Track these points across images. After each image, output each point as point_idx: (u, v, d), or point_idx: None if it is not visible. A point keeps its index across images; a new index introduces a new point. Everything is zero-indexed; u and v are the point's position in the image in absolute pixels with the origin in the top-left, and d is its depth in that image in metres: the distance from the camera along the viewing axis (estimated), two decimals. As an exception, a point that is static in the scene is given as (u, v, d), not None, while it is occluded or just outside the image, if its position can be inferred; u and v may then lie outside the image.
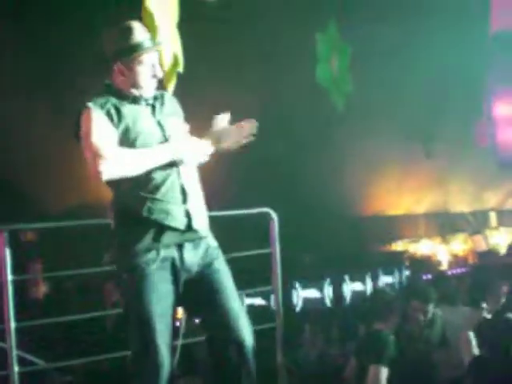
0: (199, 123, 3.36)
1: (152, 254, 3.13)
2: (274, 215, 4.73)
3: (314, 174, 8.73)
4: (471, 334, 5.05)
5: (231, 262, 3.37)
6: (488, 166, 10.75)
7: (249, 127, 3.31)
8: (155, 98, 3.31)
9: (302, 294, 9.04)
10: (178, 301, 3.20)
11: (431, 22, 7.46)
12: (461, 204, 13.24)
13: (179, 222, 3.18)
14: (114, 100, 3.19)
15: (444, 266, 11.30)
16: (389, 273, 10.23)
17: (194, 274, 3.22)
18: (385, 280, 10.10)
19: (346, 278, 9.72)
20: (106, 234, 3.23)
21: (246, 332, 3.24)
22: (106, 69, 3.28)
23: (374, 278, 10.02)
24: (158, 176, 3.17)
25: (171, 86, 4.85)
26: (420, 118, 9.38)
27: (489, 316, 5.51)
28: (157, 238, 3.14)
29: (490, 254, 9.48)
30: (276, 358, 4.76)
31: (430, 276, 8.99)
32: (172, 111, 3.35)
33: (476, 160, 10.67)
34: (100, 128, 3.10)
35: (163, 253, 3.15)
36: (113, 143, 3.11)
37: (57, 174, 7.44)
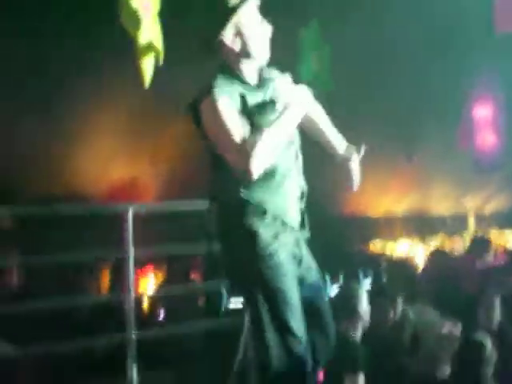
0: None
1: (280, 244, 3.07)
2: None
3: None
4: None
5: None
6: (468, 171, 10.82)
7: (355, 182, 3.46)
8: (271, 83, 3.18)
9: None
10: None
11: (414, 25, 7.48)
12: (440, 207, 13.32)
13: (295, 221, 3.17)
14: (238, 87, 3.07)
15: (421, 267, 11.34)
16: (367, 273, 10.26)
17: (305, 270, 3.24)
18: (363, 280, 10.15)
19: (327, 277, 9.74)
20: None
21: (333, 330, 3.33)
22: (212, 47, 3.13)
23: (352, 278, 10.05)
24: (280, 168, 3.09)
25: (148, 79, 4.82)
26: (401, 120, 9.42)
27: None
28: (275, 235, 3.07)
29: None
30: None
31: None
32: (283, 91, 3.19)
33: (456, 164, 10.73)
34: (232, 119, 2.97)
35: (285, 245, 3.11)
36: (246, 132, 2.98)
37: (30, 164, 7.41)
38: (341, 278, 9.86)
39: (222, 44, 3.11)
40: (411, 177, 11.39)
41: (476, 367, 4.54)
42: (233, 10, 3.07)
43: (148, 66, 4.83)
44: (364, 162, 9.42)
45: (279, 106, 3.12)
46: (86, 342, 4.81)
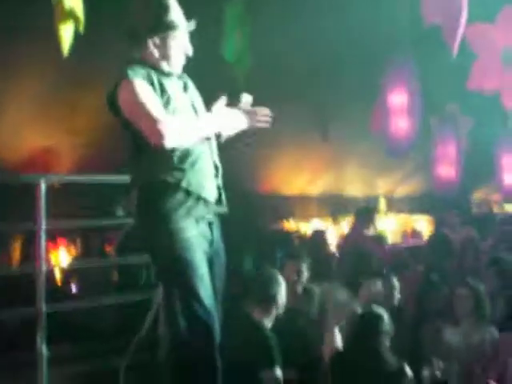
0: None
1: (191, 222, 3.26)
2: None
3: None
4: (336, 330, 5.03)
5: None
6: (381, 154, 11.05)
7: (267, 114, 3.65)
8: (182, 76, 3.44)
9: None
10: None
11: (330, 11, 7.54)
12: (353, 188, 13.57)
13: (212, 196, 3.37)
14: (153, 72, 3.27)
15: (332, 247, 11.56)
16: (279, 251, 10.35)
17: (213, 251, 3.42)
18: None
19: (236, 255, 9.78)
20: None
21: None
22: (136, 43, 3.34)
23: (264, 256, 10.13)
24: (195, 150, 3.30)
25: (67, 46, 4.72)
26: (317, 99, 9.51)
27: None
28: (195, 210, 3.28)
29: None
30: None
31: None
32: (196, 91, 3.51)
33: (370, 147, 10.94)
34: (150, 97, 3.16)
35: (201, 224, 3.31)
36: (163, 112, 3.17)
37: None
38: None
39: (145, 44, 3.33)
40: (325, 157, 11.53)
41: (373, 337, 4.62)
42: (166, 26, 3.30)
43: (67, 34, 4.73)
44: (280, 142, 9.56)
45: (190, 97, 3.40)
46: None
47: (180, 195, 3.23)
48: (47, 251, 5.92)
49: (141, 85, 3.16)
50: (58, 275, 7.50)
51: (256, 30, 7.02)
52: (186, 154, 3.25)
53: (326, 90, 9.19)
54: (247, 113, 3.59)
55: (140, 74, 3.20)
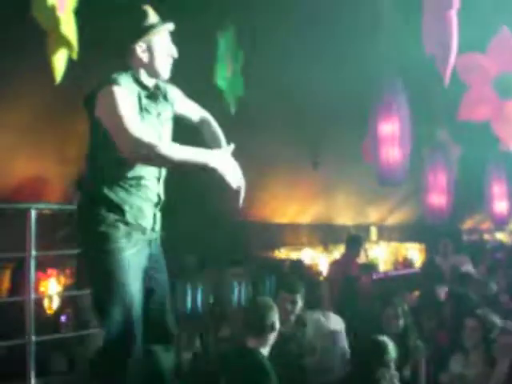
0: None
1: (127, 242, 3.31)
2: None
3: (199, 176, 8.72)
4: None
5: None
6: (372, 182, 11.06)
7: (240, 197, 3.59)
8: (162, 89, 3.51)
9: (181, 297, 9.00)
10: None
11: (327, 36, 7.59)
12: (344, 217, 13.57)
13: (148, 223, 3.43)
14: (136, 87, 3.34)
15: (323, 276, 11.52)
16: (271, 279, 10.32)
17: (153, 265, 3.50)
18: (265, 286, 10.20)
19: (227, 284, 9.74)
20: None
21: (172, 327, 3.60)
22: (123, 52, 3.42)
23: (255, 284, 10.10)
24: (145, 175, 3.36)
25: (59, 74, 4.70)
26: (309, 128, 9.54)
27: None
28: (127, 234, 3.32)
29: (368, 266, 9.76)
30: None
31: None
32: (170, 112, 3.57)
33: (361, 176, 10.95)
34: (128, 105, 3.20)
35: (138, 243, 3.36)
36: (139, 123, 3.20)
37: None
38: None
39: (132, 52, 3.40)
40: (316, 186, 11.54)
41: (377, 365, 4.71)
42: (148, 28, 3.38)
43: (60, 61, 4.72)
44: (271, 169, 9.55)
45: (164, 115, 3.48)
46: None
47: (119, 217, 3.28)
48: (37, 281, 5.85)
49: (121, 92, 3.19)
50: (47, 304, 7.41)
51: (248, 59, 7.05)
52: (135, 178, 3.31)
53: (317, 118, 9.22)
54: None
55: (123, 81, 3.25)
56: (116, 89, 3.18)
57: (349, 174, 11.13)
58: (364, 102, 8.60)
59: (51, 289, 8.12)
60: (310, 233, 12.97)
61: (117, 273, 3.25)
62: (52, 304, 7.63)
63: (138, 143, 3.07)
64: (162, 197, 3.54)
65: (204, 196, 8.45)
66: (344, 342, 5.52)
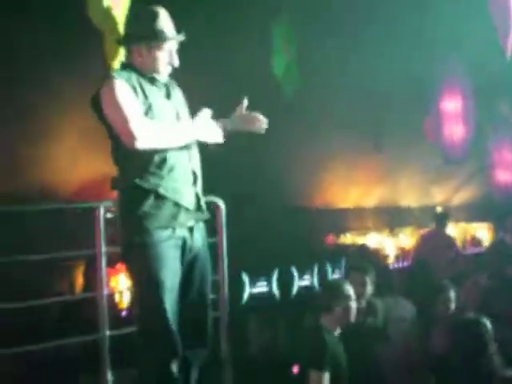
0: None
1: (168, 232, 3.25)
2: (220, 204, 4.75)
3: (263, 164, 8.75)
4: None
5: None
6: (436, 162, 10.90)
7: (263, 120, 3.57)
8: (168, 84, 3.44)
9: (248, 286, 9.04)
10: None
11: (379, 14, 7.50)
12: (409, 198, 13.40)
13: (190, 203, 3.35)
14: (136, 77, 3.29)
15: (391, 259, 11.42)
16: (336, 266, 10.28)
17: (193, 256, 3.40)
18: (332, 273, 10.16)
19: (294, 270, 9.75)
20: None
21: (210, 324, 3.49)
22: (126, 49, 3.43)
23: (322, 271, 10.07)
24: (172, 157, 3.28)
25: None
26: (369, 111, 9.45)
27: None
28: (173, 216, 3.26)
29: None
30: (220, 348, 4.77)
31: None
32: (181, 99, 3.51)
33: (424, 155, 10.80)
34: (129, 98, 3.18)
35: (177, 232, 3.28)
36: (142, 114, 3.19)
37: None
38: (312, 269, 9.88)
39: (134, 50, 3.38)
40: (379, 168, 11.43)
41: (480, 344, 4.69)
42: (154, 36, 3.32)
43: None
44: (334, 155, 9.48)
45: (173, 105, 3.41)
46: (59, 343, 4.76)
47: (158, 202, 3.24)
48: (107, 276, 5.96)
49: (121, 86, 3.18)
50: (118, 299, 7.54)
51: (305, 45, 7.02)
52: (163, 160, 3.25)
53: (379, 100, 9.12)
54: (244, 117, 3.59)
55: (123, 76, 3.23)
56: (114, 83, 3.17)
57: (412, 154, 10.99)
58: (425, 80, 8.48)
59: (121, 284, 8.25)
60: (375, 216, 12.85)
61: (152, 266, 3.21)
62: (123, 299, 7.75)
63: (137, 139, 3.09)
64: (199, 173, 3.45)
65: (268, 184, 8.46)
66: (415, 328, 5.46)
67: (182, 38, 3.43)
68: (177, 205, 3.28)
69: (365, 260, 7.23)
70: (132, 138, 3.09)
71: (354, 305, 4.71)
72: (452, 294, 5.75)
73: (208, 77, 6.88)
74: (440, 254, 8.34)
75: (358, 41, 7.89)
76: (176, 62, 3.42)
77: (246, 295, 8.78)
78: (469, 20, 6.82)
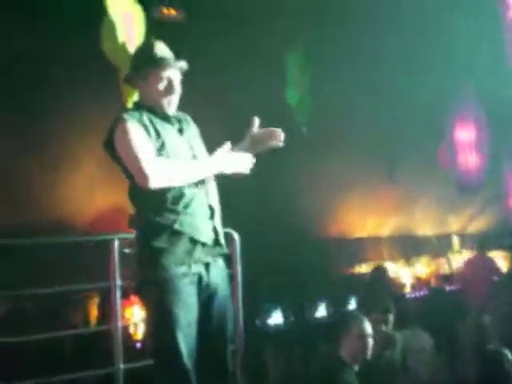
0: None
1: (184, 268, 3.19)
2: (235, 235, 4.73)
3: (278, 195, 8.74)
4: None
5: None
6: (451, 191, 10.85)
7: (279, 133, 3.53)
8: (180, 119, 3.40)
9: (264, 316, 9.00)
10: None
11: (393, 42, 7.52)
12: (424, 227, 13.33)
13: (208, 237, 3.29)
14: (147, 115, 3.26)
15: (407, 289, 11.33)
16: (352, 296, 10.20)
17: (211, 293, 3.31)
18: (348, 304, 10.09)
19: (309, 301, 9.70)
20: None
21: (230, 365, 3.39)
22: (131, 86, 3.47)
23: (338, 302, 10.00)
24: (188, 192, 3.24)
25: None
26: (383, 141, 9.45)
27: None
28: (189, 252, 3.21)
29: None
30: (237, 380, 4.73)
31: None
32: (195, 132, 3.47)
33: (439, 184, 10.77)
34: (140, 139, 3.16)
35: (193, 268, 3.22)
36: (154, 154, 3.16)
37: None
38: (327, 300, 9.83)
39: (139, 84, 3.36)
40: (395, 198, 11.40)
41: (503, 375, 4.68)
42: (152, 62, 3.29)
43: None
44: (349, 184, 9.43)
45: (187, 140, 3.35)
46: (74, 375, 4.73)
47: (174, 238, 3.19)
48: (122, 308, 5.95)
49: (133, 127, 3.16)
50: (133, 331, 7.52)
51: (324, 76, 7.05)
52: (179, 196, 3.21)
53: (393, 130, 9.11)
54: (260, 135, 3.56)
55: (134, 116, 3.21)
56: (126, 125, 3.15)
57: (427, 183, 10.96)
58: (439, 109, 8.48)
59: (135, 315, 8.23)
60: (391, 246, 12.78)
61: (167, 304, 3.15)
62: (137, 330, 7.72)
63: (150, 179, 3.07)
64: (216, 207, 3.38)
65: (284, 214, 8.44)
66: (433, 358, 5.39)
67: (182, 64, 3.38)
68: (193, 240, 3.23)
69: (383, 282, 7.13)
70: (145, 178, 3.08)
71: (371, 341, 4.62)
72: (485, 321, 5.69)
73: (223, 108, 6.91)
74: (484, 278, 8.33)
75: (373, 70, 7.91)
76: (177, 91, 3.35)
77: (261, 326, 8.73)
78: (483, 48, 6.82)
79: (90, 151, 7.13)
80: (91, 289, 6.94)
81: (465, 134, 8.32)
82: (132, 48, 4.46)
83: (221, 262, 3.41)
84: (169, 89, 3.31)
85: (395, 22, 7.05)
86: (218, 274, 3.36)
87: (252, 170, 3.51)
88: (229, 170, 3.38)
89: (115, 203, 7.57)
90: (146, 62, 3.28)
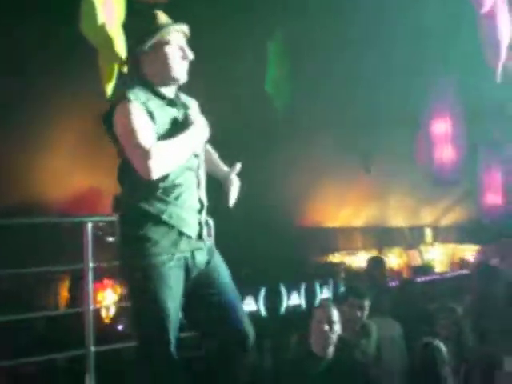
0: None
1: (168, 256, 3.19)
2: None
3: (253, 183, 8.74)
4: None
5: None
6: (425, 183, 10.94)
7: (233, 197, 3.54)
8: (186, 104, 3.36)
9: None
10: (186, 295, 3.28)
11: (369, 33, 7.54)
12: (398, 219, 13.44)
13: (193, 231, 3.28)
14: (153, 98, 3.22)
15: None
16: (325, 285, 10.28)
17: (200, 272, 3.32)
18: (320, 292, 10.17)
19: (282, 289, 9.74)
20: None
21: (247, 324, 3.38)
22: (135, 63, 3.31)
23: (310, 291, 10.07)
24: (181, 184, 3.24)
25: (110, 88, 4.75)
26: (359, 132, 9.49)
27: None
28: (174, 244, 3.22)
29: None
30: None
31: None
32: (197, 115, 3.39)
33: (414, 176, 10.84)
34: (143, 124, 3.11)
35: (178, 254, 3.22)
36: (154, 139, 3.12)
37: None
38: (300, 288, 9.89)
39: (144, 59, 3.28)
40: (369, 189, 11.46)
41: (434, 367, 4.80)
42: (157, 29, 3.25)
43: (111, 77, 4.76)
44: (323, 174, 9.43)
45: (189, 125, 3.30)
46: (45, 357, 4.73)
47: (161, 228, 3.18)
48: (95, 291, 5.94)
49: (136, 110, 3.10)
50: (105, 314, 7.51)
51: (297, 62, 7.05)
52: (171, 187, 3.20)
53: (368, 121, 9.15)
54: (230, 180, 3.58)
55: (140, 98, 3.16)
56: (130, 106, 3.10)
57: (402, 175, 11.03)
58: (415, 101, 8.52)
59: (108, 299, 8.23)
60: (364, 236, 12.87)
61: (153, 289, 3.14)
62: (109, 314, 7.72)
63: (153, 171, 3.04)
64: (205, 202, 3.37)
65: (258, 203, 8.45)
66: (402, 347, 5.45)
67: (185, 28, 3.34)
68: (179, 232, 3.23)
69: (378, 272, 7.16)
70: (149, 171, 3.04)
71: (331, 327, 4.64)
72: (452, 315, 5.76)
73: (205, 91, 6.87)
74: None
75: (349, 61, 7.93)
76: (191, 55, 3.31)
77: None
78: (458, 41, 6.86)
79: (65, 134, 7.10)
80: (64, 271, 6.92)
81: (441, 127, 8.38)
82: (112, 29, 4.44)
83: (208, 246, 3.41)
84: (182, 54, 3.29)
85: (371, 10, 7.07)
86: (204, 254, 3.36)
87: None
88: (200, 135, 3.34)
89: (90, 186, 7.55)
90: (152, 31, 3.23)
